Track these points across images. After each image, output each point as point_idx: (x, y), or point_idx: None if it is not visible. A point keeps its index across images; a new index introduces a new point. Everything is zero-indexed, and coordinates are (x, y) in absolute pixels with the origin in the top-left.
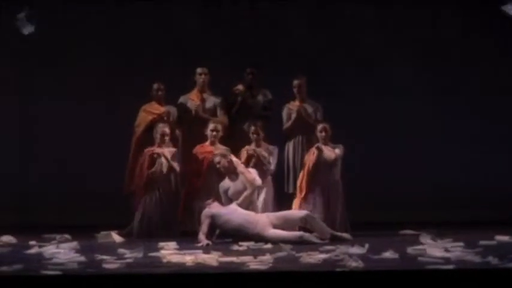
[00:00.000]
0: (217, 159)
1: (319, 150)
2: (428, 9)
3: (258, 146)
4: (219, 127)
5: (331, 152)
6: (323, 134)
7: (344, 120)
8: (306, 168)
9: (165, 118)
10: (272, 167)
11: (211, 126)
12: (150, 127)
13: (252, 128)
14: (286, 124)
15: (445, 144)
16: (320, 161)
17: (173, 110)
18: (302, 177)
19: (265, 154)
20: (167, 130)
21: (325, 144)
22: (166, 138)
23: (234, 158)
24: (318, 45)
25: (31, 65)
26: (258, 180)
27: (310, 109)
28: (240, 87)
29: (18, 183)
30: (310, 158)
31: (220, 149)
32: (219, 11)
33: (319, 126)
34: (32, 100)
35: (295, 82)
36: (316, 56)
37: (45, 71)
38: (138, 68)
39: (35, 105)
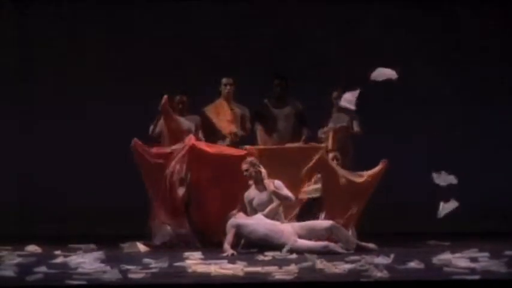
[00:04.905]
0: (245, 166)
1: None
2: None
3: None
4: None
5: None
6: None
7: (376, 131)
8: None
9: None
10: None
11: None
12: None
13: None
14: (320, 134)
15: (472, 154)
16: None
17: (197, 119)
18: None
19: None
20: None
21: None
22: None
23: (263, 170)
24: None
25: (35, 69)
26: (292, 197)
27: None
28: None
29: (44, 193)
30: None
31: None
32: (246, 20)
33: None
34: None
35: (335, 94)
36: (348, 66)
37: (52, 74)
38: (160, 77)
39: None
